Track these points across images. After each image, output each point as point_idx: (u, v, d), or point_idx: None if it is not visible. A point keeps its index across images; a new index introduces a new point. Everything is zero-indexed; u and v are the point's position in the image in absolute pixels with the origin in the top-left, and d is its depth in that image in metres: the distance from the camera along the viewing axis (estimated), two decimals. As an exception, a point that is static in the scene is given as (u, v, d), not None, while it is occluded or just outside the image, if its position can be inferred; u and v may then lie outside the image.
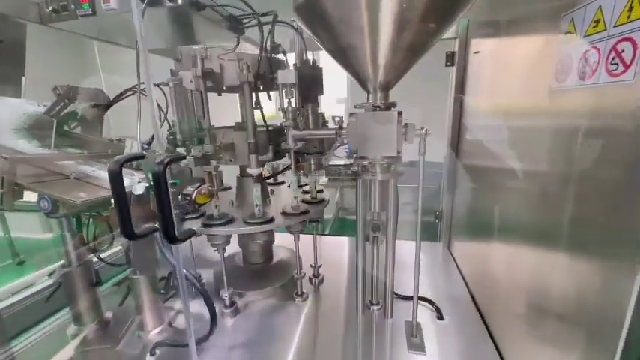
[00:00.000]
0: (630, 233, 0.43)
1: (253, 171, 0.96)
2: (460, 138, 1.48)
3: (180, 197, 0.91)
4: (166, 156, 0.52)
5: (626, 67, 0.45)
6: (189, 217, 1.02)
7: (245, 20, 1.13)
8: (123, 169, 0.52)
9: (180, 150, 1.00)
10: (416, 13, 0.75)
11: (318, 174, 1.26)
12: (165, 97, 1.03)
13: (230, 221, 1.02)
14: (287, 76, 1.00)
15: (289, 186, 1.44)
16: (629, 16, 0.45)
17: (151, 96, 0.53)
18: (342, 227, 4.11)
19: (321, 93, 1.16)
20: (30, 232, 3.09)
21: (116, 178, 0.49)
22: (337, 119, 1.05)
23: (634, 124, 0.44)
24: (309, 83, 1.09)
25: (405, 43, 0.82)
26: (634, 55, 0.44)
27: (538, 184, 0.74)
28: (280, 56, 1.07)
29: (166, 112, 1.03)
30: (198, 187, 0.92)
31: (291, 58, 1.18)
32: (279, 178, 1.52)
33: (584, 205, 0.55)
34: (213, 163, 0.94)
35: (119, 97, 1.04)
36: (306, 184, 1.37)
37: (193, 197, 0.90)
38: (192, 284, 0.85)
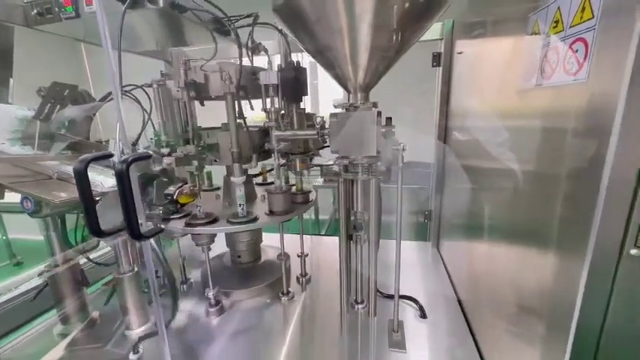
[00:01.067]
0: (581, 227, 0.44)
1: (237, 179, 0.97)
2: (447, 138, 1.49)
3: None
4: (130, 155, 0.53)
5: (580, 66, 0.46)
6: (173, 216, 1.03)
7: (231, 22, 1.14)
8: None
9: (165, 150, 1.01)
10: (392, 16, 0.77)
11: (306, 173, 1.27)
12: (149, 99, 1.05)
13: (214, 221, 1.03)
14: (269, 76, 1.02)
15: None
16: (581, 17, 0.46)
17: (117, 97, 0.54)
18: (339, 228, 4.10)
19: (306, 93, 1.17)
20: (29, 234, 3.11)
21: (82, 177, 0.50)
22: (319, 119, 1.07)
23: (587, 123, 0.45)
24: (293, 84, 1.10)
25: (382, 44, 0.83)
26: (586, 55, 0.45)
27: (510, 182, 0.75)
28: (262, 55, 1.08)
29: (150, 114, 1.04)
30: (180, 187, 0.93)
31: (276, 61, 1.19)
32: (269, 179, 1.53)
33: (545, 202, 0.56)
34: (195, 163, 0.95)
35: (105, 99, 1.05)
36: (293, 185, 1.38)
37: (175, 197, 0.91)
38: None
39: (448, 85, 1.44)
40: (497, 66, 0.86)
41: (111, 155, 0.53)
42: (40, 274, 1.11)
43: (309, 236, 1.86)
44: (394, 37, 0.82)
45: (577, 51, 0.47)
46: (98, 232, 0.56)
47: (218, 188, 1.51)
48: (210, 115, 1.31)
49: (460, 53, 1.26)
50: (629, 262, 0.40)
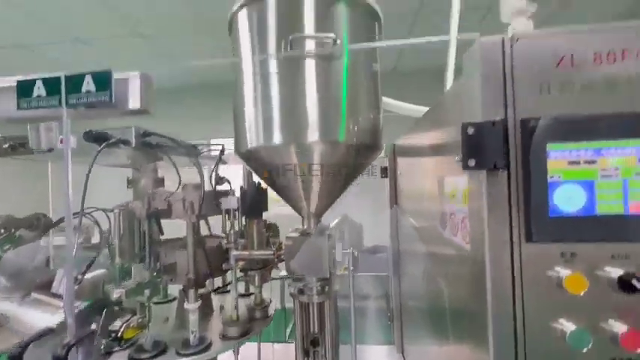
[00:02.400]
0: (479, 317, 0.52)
1: (191, 306, 0.97)
2: (399, 240, 1.61)
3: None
4: (70, 340, 0.53)
5: (470, 237, 0.59)
6: (115, 349, 0.96)
7: (199, 148, 1.29)
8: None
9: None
10: (335, 167, 0.94)
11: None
12: (109, 222, 1.07)
13: (162, 352, 0.97)
14: (230, 202, 1.11)
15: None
16: (464, 202, 0.61)
17: (69, 235, 0.58)
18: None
19: (266, 209, 1.26)
20: None
21: (17, 361, 0.49)
22: (275, 243, 1.14)
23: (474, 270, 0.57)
24: (254, 204, 1.20)
25: (328, 184, 0.98)
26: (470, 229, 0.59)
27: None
28: (225, 185, 1.19)
29: (109, 237, 1.05)
30: (128, 320, 0.89)
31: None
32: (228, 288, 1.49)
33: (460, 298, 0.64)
34: (147, 292, 0.94)
35: (59, 221, 1.06)
36: (252, 293, 1.36)
37: (120, 334, 0.87)
38: None
39: (395, 193, 1.63)
40: (422, 196, 1.02)
41: (53, 330, 0.53)
42: None
43: (272, 345, 1.74)
44: (338, 180, 0.97)
45: (466, 226, 0.61)
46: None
47: (174, 299, 1.43)
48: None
49: (400, 174, 1.47)
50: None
